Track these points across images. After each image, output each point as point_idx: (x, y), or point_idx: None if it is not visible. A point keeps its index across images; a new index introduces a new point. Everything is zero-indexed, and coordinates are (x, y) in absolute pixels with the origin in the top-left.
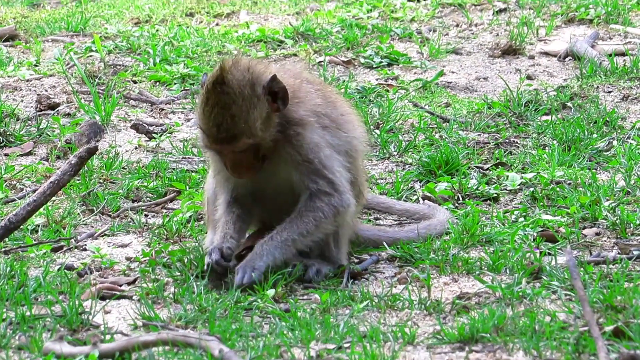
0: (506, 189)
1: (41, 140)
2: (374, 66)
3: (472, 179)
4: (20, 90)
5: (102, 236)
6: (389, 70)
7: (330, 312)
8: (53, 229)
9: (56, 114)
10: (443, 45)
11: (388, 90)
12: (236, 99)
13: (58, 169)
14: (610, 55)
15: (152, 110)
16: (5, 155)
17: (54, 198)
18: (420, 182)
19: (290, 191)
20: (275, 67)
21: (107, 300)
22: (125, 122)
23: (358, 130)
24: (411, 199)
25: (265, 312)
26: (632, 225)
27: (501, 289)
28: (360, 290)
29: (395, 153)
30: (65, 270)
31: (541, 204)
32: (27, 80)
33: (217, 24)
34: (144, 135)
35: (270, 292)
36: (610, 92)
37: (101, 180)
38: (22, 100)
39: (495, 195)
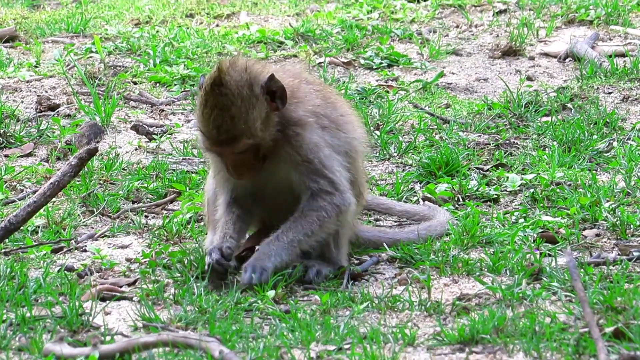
0: (506, 190)
1: (41, 142)
2: (374, 67)
3: (472, 180)
4: (21, 91)
5: (102, 237)
6: (389, 71)
7: (330, 313)
8: (53, 230)
9: (56, 115)
10: (443, 47)
11: (388, 91)
12: (235, 100)
13: (58, 170)
14: (610, 56)
15: (152, 112)
16: (6, 156)
17: (54, 199)
18: (420, 183)
19: (290, 191)
20: (275, 67)
21: (108, 302)
22: (125, 123)
23: (358, 131)
24: (411, 200)
25: (266, 313)
26: (632, 226)
27: (501, 290)
28: (360, 291)
29: (395, 154)
30: (66, 272)
31: (541, 205)
32: (27, 82)
33: (217, 25)
34: (144, 137)
35: (271, 293)
36: (610, 93)
37: (101, 182)
38: (22, 102)
39: (496, 196)
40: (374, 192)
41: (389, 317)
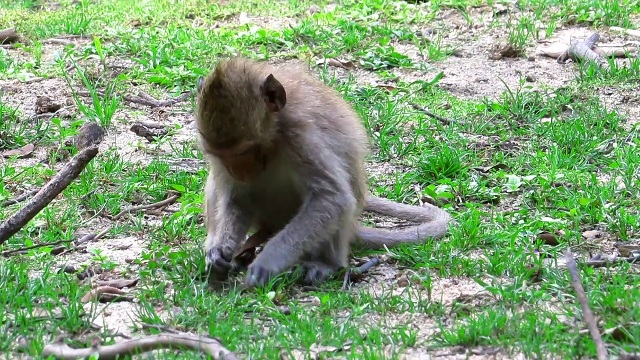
0: (506, 191)
1: (41, 143)
2: (374, 68)
3: (472, 181)
4: (20, 92)
5: (102, 238)
6: (389, 72)
7: (330, 315)
8: (53, 231)
9: (56, 116)
10: (443, 48)
11: (388, 93)
12: (234, 101)
13: (58, 171)
14: (610, 57)
15: (152, 113)
16: (6, 157)
17: (54, 200)
18: (420, 185)
19: (290, 192)
20: (275, 68)
21: (107, 303)
22: (125, 124)
23: (358, 132)
24: (411, 201)
25: (266, 314)
26: (632, 227)
27: (501, 291)
28: (360, 292)
29: (395, 155)
30: (66, 273)
31: (541, 206)
32: (27, 83)
33: (217, 26)
34: (144, 138)
35: (271, 294)
36: (610, 94)
37: (101, 183)
38: (22, 103)
39: (496, 197)
40: (374, 193)
41: (389, 318)
